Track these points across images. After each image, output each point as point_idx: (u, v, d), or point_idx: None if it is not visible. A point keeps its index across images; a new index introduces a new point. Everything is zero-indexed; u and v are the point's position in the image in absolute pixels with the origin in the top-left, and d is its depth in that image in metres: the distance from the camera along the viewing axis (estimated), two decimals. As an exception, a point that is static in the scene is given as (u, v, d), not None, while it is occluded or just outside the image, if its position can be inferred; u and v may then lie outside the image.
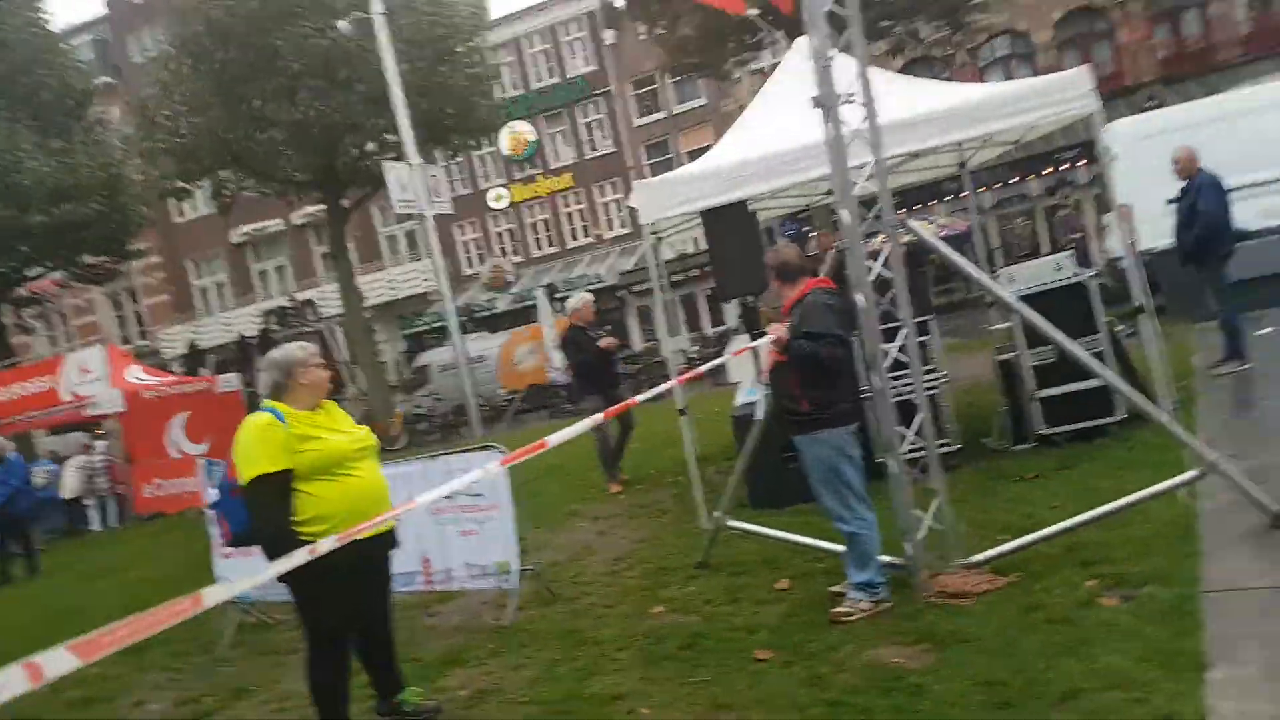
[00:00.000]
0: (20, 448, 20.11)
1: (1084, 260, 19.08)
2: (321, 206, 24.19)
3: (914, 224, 4.34)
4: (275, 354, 3.93)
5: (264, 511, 3.68)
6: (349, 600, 3.85)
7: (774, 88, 7.21)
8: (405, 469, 5.80)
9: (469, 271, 34.21)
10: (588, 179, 33.09)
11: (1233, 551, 4.10)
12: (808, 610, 4.58)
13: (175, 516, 13.46)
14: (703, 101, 31.38)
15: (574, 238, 33.57)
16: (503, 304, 31.76)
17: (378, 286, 33.20)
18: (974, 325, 14.81)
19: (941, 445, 6.45)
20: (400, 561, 5.79)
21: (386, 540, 4.04)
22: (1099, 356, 6.30)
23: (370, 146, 21.15)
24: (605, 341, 8.79)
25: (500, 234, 34.60)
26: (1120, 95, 25.46)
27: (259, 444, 3.66)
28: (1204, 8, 27.31)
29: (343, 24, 17.71)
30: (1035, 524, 5.00)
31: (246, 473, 3.66)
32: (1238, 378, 7.51)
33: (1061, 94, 5.58)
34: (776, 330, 4.32)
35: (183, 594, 2.00)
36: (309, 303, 33.44)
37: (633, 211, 6.58)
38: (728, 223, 5.94)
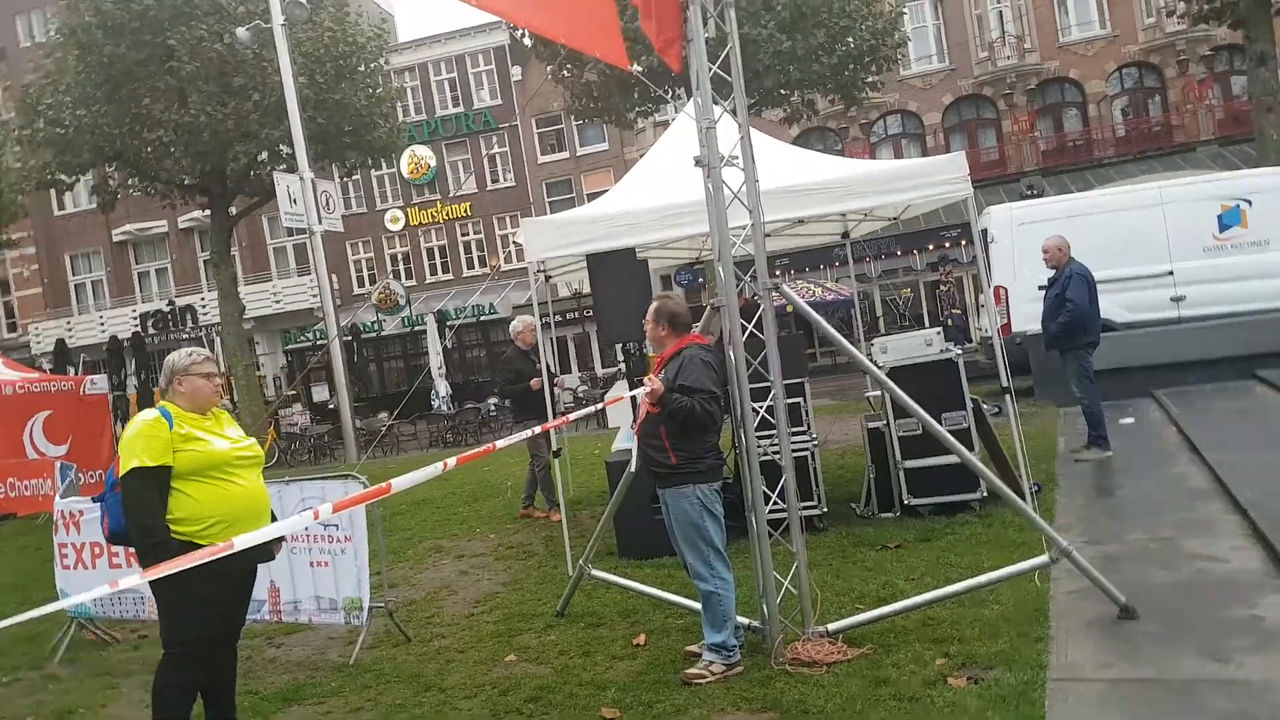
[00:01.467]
0: None
1: (963, 336, 19.91)
2: (208, 212, 23.31)
3: (787, 289, 4.39)
4: (169, 357, 4.04)
5: (136, 502, 3.70)
6: (217, 608, 3.82)
7: (668, 142, 7.30)
8: (257, 495, 5.50)
9: (359, 291, 33.48)
10: (487, 209, 32.94)
11: (1079, 640, 4.20)
12: (660, 668, 4.52)
13: (27, 520, 12.54)
14: (605, 146, 31.79)
15: (470, 266, 33.28)
16: (390, 326, 31.10)
17: (263, 298, 32.21)
18: (855, 387, 15.22)
19: (808, 507, 6.56)
20: (246, 590, 5.54)
21: (259, 552, 3.92)
22: (963, 433, 6.52)
23: (262, 156, 20.58)
24: (534, 383, 8.53)
25: (394, 256, 34.05)
26: (1002, 181, 26.98)
27: (142, 438, 3.72)
28: (1083, 108, 29.29)
29: (241, 31, 17.33)
30: (892, 594, 5.09)
31: (125, 464, 3.71)
32: (1099, 464, 7.80)
33: (938, 176, 5.80)
34: (652, 382, 4.29)
35: (24, 603, 1.83)
36: (188, 309, 32.15)
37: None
38: (614, 268, 5.93)
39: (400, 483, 2.73)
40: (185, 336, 32.10)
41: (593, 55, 4.28)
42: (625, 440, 7.25)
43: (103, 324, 32.82)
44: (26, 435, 16.27)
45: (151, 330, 32.27)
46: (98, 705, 5.03)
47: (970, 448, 6.49)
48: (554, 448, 6.49)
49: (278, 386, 33.05)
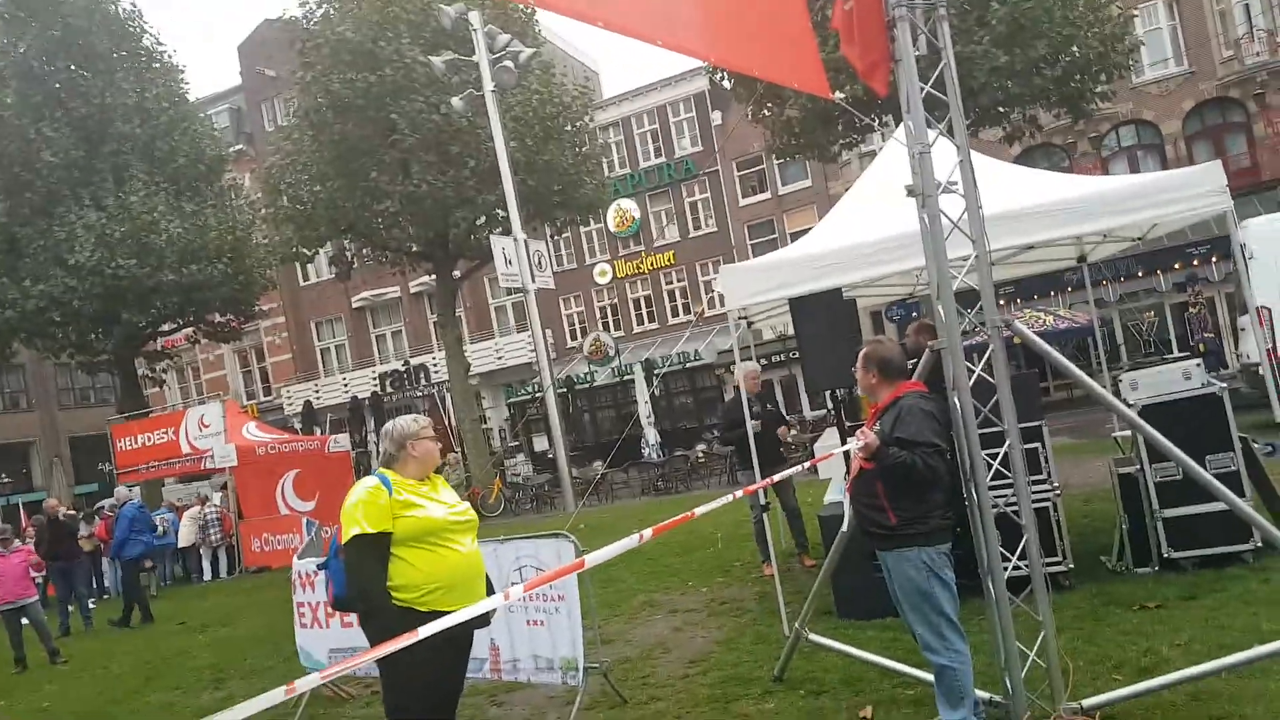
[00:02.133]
0: (147, 495, 21.11)
1: (1217, 363, 17.87)
2: (434, 276, 24.89)
3: (1020, 326, 3.96)
4: (391, 425, 4.07)
5: (359, 569, 3.74)
6: (444, 683, 3.82)
7: (875, 173, 6.96)
8: (474, 551, 5.61)
9: (572, 344, 34.61)
10: (690, 257, 33.25)
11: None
12: (890, 746, 4.14)
13: (280, 571, 13.71)
14: (808, 183, 31.28)
15: (674, 314, 33.64)
16: (602, 377, 31.91)
17: (486, 355, 33.89)
18: (1095, 423, 13.94)
19: (1052, 564, 5.93)
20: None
21: (480, 619, 3.93)
22: (1231, 476, 5.71)
23: (480, 220, 21.70)
24: (781, 430, 8.41)
25: (603, 308, 34.99)
26: (1255, 190, 24.18)
27: (363, 505, 3.77)
28: (1351, 101, 25.91)
29: (456, 101, 18.30)
30: (1155, 662, 4.49)
31: (348, 531, 3.76)
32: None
33: (1190, 190, 5.14)
34: (865, 435, 3.98)
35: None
36: (421, 368, 34.42)
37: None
38: (818, 311, 5.66)
39: (595, 558, 2.63)
40: (419, 394, 34.32)
41: (791, 87, 4.08)
42: (837, 493, 6.88)
43: (346, 385, 35.62)
44: (279, 493, 17.88)
45: (389, 389, 34.76)
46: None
47: (1241, 492, 5.68)
48: (763, 501, 6.23)
49: (503, 438, 34.65)
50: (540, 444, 31.22)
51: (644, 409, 24.21)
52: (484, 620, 4.06)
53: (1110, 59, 19.31)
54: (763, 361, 26.62)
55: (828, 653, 5.33)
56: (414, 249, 23.28)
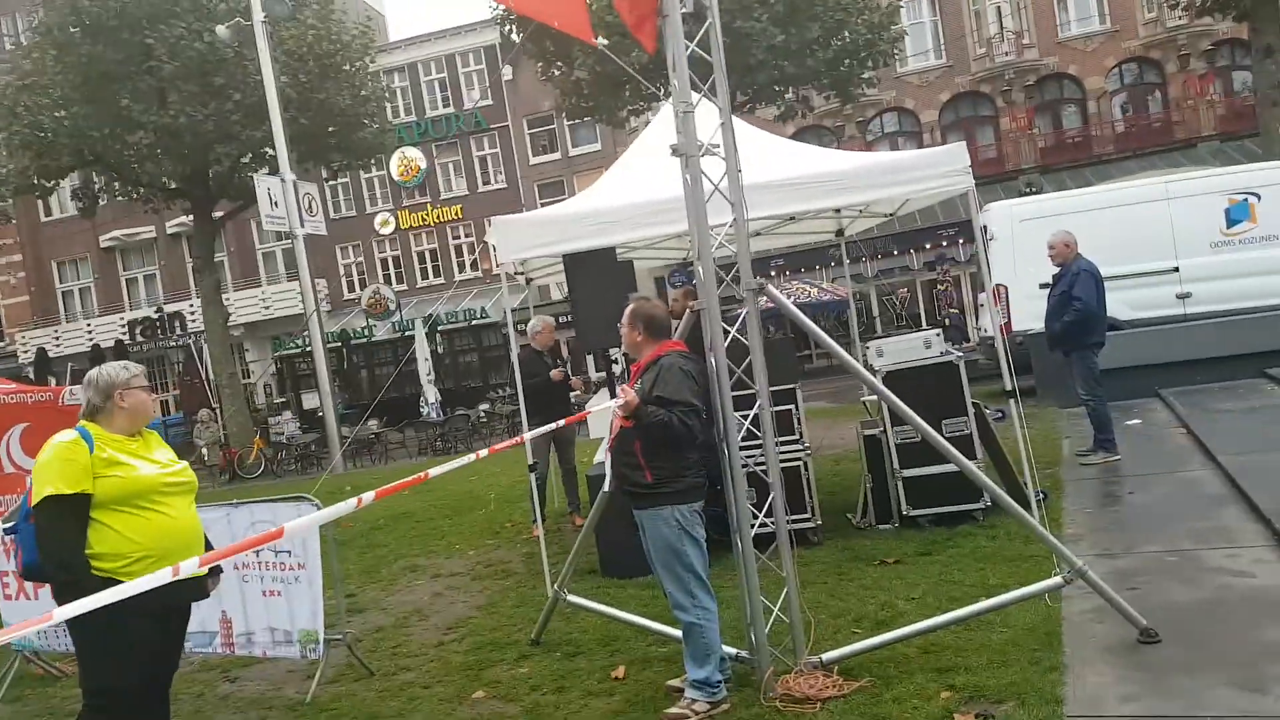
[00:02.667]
0: None
1: (960, 337, 19.55)
2: (193, 216, 22.91)
3: (772, 290, 3.99)
4: (97, 372, 3.58)
5: (51, 535, 3.31)
6: (143, 655, 3.39)
7: (652, 135, 6.91)
8: (208, 514, 5.09)
9: (350, 296, 33.02)
10: (479, 211, 32.55)
11: (1097, 668, 3.83)
12: (639, 706, 4.12)
13: None
14: (598, 147, 31.34)
15: (461, 270, 32.84)
16: (381, 332, 30.65)
17: (253, 304, 31.76)
18: (853, 389, 14.83)
19: (801, 520, 6.17)
20: (199, 619, 5.14)
21: (193, 588, 3.58)
22: (965, 440, 6.14)
23: (246, 158, 20.16)
24: (555, 373, 8.14)
25: (385, 260, 33.58)
26: (1000, 179, 26.61)
27: (57, 462, 3.32)
28: (1083, 104, 28.93)
29: (221, 29, 16.91)
30: (892, 616, 4.72)
31: (38, 492, 3.30)
32: (1106, 469, 7.45)
33: (937, 168, 5.41)
34: (626, 393, 3.89)
35: None
36: (177, 315, 31.70)
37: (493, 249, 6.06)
38: (592, 269, 5.54)
39: (294, 526, 2.37)
40: (173, 344, 31.69)
41: (553, 26, 3.87)
42: (605, 453, 6.84)
43: (90, 332, 32.34)
44: (3, 448, 15.89)
45: (140, 337, 31.85)
46: (35, 749, 4.64)
47: (973, 454, 6.13)
48: (529, 461, 6.09)
49: (268, 394, 32.62)
50: (310, 401, 29.65)
51: (424, 366, 23.46)
52: (200, 591, 3.67)
53: (877, 46, 20.69)
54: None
55: (587, 614, 5.28)
56: (170, 185, 21.29)
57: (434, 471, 2.70)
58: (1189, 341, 10.65)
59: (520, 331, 8.61)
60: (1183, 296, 11.49)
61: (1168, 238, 11.45)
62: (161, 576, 2.33)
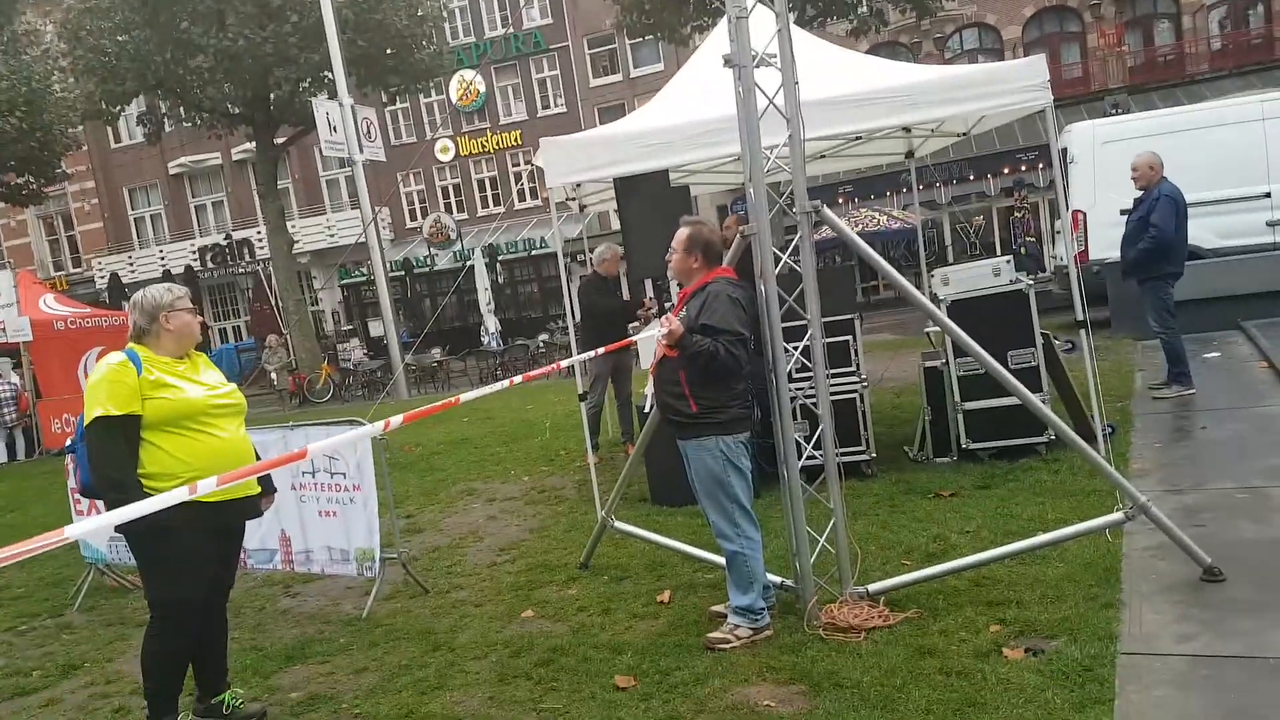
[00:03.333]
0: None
1: (1036, 265, 18.85)
2: (255, 142, 23.09)
3: (829, 213, 3.82)
4: (142, 294, 3.64)
5: (102, 455, 3.40)
6: (199, 566, 3.52)
7: (709, 50, 6.64)
8: (264, 436, 5.21)
9: (412, 224, 33.12)
10: (538, 137, 32.12)
11: (1156, 606, 3.69)
12: (683, 629, 4.13)
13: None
14: (660, 67, 30.54)
15: (521, 198, 32.66)
16: (443, 261, 30.78)
17: (317, 232, 32.02)
18: (919, 320, 14.51)
19: (853, 452, 6.06)
20: (259, 537, 5.30)
21: (246, 507, 3.73)
22: (1031, 372, 5.93)
23: (305, 82, 20.11)
24: (644, 307, 8.04)
25: (445, 188, 33.48)
26: (1085, 100, 25.35)
27: (106, 384, 3.39)
28: (1177, 19, 27.27)
29: (277, -51, 16.67)
30: (944, 550, 4.63)
31: (89, 413, 3.39)
32: (1178, 403, 7.17)
33: (1014, 83, 5.10)
34: (670, 322, 3.80)
35: None
36: (245, 243, 32.28)
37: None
38: (644, 194, 5.38)
39: (317, 447, 2.39)
40: (242, 271, 32.29)
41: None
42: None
43: (163, 258, 33.07)
44: (81, 371, 16.51)
45: (210, 264, 32.51)
46: (104, 660, 4.86)
47: (1040, 387, 5.92)
48: (579, 391, 6.06)
49: (336, 322, 33.22)
50: (377, 329, 30.13)
51: (484, 296, 23.60)
52: (254, 509, 3.79)
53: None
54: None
55: (635, 540, 5.29)
56: (232, 110, 21.42)
57: (465, 396, 2.68)
58: (1276, 271, 10.11)
59: (580, 263, 8.52)
60: (1274, 224, 10.89)
61: (1261, 161, 10.82)
62: (181, 494, 2.31)
